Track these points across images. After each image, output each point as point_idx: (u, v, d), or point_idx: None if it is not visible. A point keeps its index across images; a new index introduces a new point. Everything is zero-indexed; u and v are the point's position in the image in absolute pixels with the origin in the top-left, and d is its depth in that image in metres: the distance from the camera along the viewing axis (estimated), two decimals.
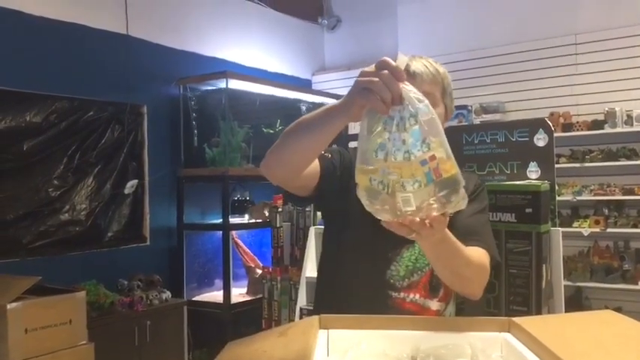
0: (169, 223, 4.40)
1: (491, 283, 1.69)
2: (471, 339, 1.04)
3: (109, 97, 3.97)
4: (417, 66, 1.37)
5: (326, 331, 1.08)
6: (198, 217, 4.57)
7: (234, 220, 4.41)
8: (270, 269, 3.01)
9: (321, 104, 2.12)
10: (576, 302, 4.32)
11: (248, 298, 4.32)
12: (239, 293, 4.42)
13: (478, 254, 1.29)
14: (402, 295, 1.38)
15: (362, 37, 5.84)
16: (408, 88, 0.95)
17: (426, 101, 0.95)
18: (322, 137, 1.14)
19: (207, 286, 4.57)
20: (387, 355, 1.01)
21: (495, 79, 4.99)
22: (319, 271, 1.56)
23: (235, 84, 4.49)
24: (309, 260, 2.37)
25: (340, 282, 1.43)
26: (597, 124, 4.46)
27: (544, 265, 1.68)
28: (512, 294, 1.70)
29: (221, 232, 4.31)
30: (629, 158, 4.37)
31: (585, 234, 4.40)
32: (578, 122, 4.54)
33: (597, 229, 4.38)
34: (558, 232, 1.78)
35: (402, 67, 0.97)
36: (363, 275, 1.39)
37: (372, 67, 0.98)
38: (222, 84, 4.43)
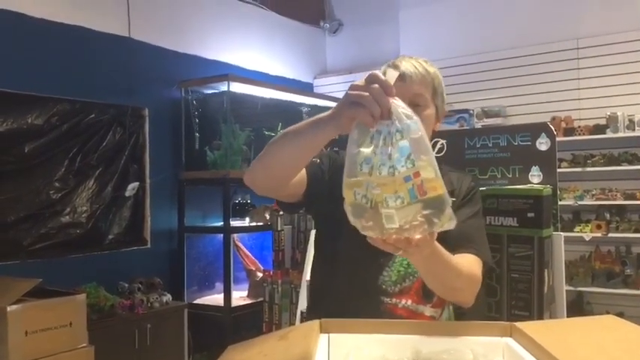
0: (170, 226, 4.41)
1: (492, 287, 1.69)
2: (473, 344, 1.03)
3: (110, 99, 3.97)
4: (407, 66, 1.35)
5: (327, 335, 1.08)
6: (199, 220, 4.57)
7: (235, 223, 4.42)
8: (271, 272, 3.00)
9: (322, 108, 2.12)
10: (578, 307, 4.31)
11: (249, 302, 4.32)
12: (240, 296, 4.42)
13: (469, 263, 1.28)
14: (394, 300, 1.36)
15: (364, 40, 5.85)
16: (398, 104, 0.95)
17: (416, 118, 0.94)
18: (309, 147, 1.14)
19: (208, 289, 4.56)
20: None
21: (497, 84, 4.99)
22: (312, 275, 1.55)
23: (237, 87, 4.49)
24: (309, 264, 2.37)
25: (332, 287, 1.41)
26: (599, 129, 4.45)
27: (546, 270, 1.67)
28: (514, 298, 1.69)
29: (222, 235, 4.32)
30: (630, 163, 4.37)
31: (587, 239, 4.39)
32: (580, 127, 4.54)
33: (599, 234, 4.38)
34: (560, 236, 1.77)
35: (392, 82, 0.97)
36: (356, 280, 1.38)
37: (362, 81, 0.98)
38: (223, 87, 4.43)
